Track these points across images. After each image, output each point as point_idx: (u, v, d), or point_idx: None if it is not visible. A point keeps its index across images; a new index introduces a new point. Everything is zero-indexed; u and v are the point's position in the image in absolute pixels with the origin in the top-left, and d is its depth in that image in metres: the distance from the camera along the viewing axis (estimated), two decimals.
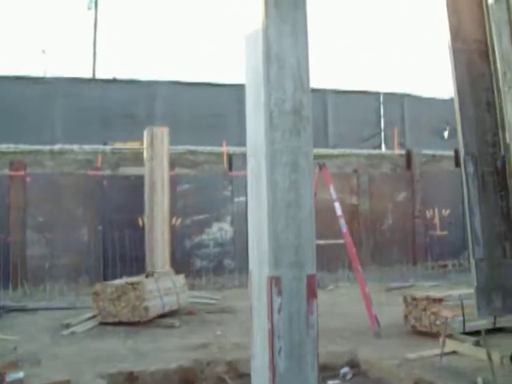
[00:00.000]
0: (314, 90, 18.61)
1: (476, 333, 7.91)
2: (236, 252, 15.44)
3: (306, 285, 5.15)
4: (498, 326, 8.13)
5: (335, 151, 18.97)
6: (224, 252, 15.53)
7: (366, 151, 19.39)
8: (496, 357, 6.44)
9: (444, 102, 22.20)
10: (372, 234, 16.80)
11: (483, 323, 8.02)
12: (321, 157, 17.45)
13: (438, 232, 16.91)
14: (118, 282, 9.72)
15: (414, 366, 6.62)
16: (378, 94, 20.47)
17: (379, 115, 20.38)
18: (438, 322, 7.80)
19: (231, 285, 13.85)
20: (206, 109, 18.20)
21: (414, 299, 8.25)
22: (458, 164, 18.62)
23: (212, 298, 11.40)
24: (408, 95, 20.88)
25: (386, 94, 20.52)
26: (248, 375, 6.75)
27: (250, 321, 5.52)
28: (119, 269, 13.77)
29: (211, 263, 15.28)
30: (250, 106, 5.50)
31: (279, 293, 5.00)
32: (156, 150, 13.37)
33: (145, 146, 13.82)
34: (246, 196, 15.47)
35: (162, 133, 13.50)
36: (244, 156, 16.22)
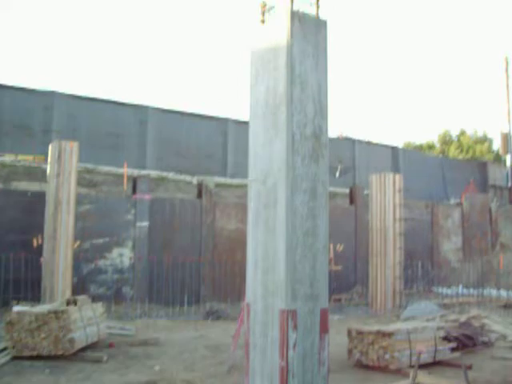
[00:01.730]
0: (216, 118, 18.60)
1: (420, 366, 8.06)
2: (135, 280, 14.66)
3: (320, 319, 4.88)
4: (437, 359, 8.36)
5: (234, 181, 18.85)
6: (123, 279, 14.67)
7: None
8: None
9: (335, 141, 23.11)
10: None
11: (425, 357, 8.22)
12: (220, 186, 17.28)
13: (333, 267, 17.25)
14: (37, 309, 8.67)
15: None
16: None
17: None
18: (387, 356, 7.81)
19: (133, 315, 13.05)
20: (106, 127, 17.41)
21: (360, 333, 8.21)
22: (352, 201, 19.30)
23: (125, 329, 10.61)
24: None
25: None
26: None
27: (246, 359, 5.13)
28: (11, 294, 12.46)
29: (109, 290, 14.35)
30: (258, 127, 5.20)
31: (295, 327, 4.68)
32: (63, 166, 12.36)
33: (49, 160, 12.73)
34: (150, 221, 14.81)
35: (71, 148, 12.53)
36: (149, 179, 15.50)
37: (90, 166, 15.97)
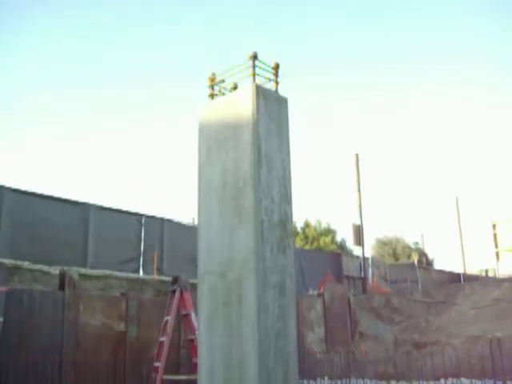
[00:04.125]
0: (76, 203, 17.37)
1: None
2: None
3: None
4: None
5: (94, 272, 17.48)
6: None
7: (125, 274, 18.31)
8: None
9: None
10: (138, 364, 15.35)
11: None
12: (81, 277, 15.89)
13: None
14: None
15: None
16: (140, 215, 19.89)
17: (140, 238, 19.70)
18: None
19: None
20: None
21: None
22: None
23: None
24: (168, 220, 20.71)
25: (147, 217, 20.06)
26: None
27: None
28: None
29: None
30: (212, 214, 4.55)
31: None
32: None
33: None
34: (4, 316, 13.07)
35: None
36: (5, 267, 13.78)
37: None
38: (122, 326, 15.73)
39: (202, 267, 4.49)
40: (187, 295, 7.49)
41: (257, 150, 4.31)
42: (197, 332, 4.23)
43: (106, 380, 14.59)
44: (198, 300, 4.48)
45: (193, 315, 7.10)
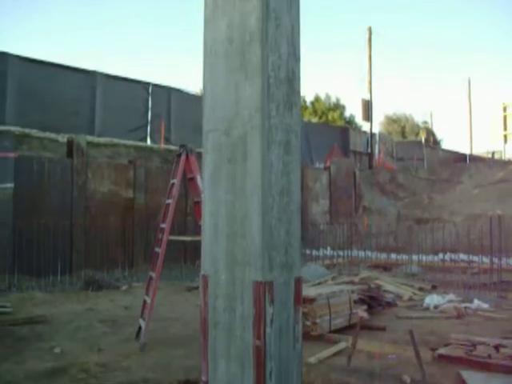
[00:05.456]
0: (83, 71, 16.98)
1: (337, 331, 7.87)
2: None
3: (294, 289, 4.30)
4: (351, 323, 8.19)
5: (102, 140, 17.52)
6: None
7: (132, 142, 18.35)
8: (427, 354, 6.37)
9: None
10: (146, 231, 15.80)
11: (341, 321, 8.02)
12: (89, 144, 15.94)
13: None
14: None
15: (325, 370, 6.14)
16: (147, 83, 19.60)
17: (147, 106, 19.54)
18: (308, 323, 7.46)
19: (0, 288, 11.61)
20: None
21: None
22: None
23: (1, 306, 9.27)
24: (176, 89, 20.43)
25: (154, 86, 19.77)
26: None
27: (203, 340, 4.42)
28: None
29: None
30: (218, 69, 4.42)
31: (272, 301, 4.06)
32: None
33: None
34: (15, 182, 13.23)
35: None
36: (13, 135, 13.82)
37: None
38: (129, 193, 16.04)
39: (207, 125, 4.41)
40: (193, 158, 7.49)
41: (265, 3, 4.11)
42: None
43: (114, 244, 15.10)
44: (203, 156, 4.43)
45: (198, 178, 7.14)
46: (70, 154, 14.99)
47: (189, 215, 16.32)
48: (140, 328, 7.37)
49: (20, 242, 13.04)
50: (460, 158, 38.15)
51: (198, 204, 7.04)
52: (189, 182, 7.91)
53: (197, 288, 12.45)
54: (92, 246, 14.57)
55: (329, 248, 19.44)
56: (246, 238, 4.09)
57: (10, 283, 11.99)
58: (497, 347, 6.39)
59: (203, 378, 4.41)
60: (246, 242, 4.09)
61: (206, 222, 4.41)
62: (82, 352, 6.78)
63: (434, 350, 6.78)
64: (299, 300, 4.34)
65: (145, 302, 7.54)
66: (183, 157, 7.46)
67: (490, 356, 6.29)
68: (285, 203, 4.18)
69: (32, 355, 6.64)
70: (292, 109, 4.32)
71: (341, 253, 18.29)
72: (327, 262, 17.06)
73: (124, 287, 12.21)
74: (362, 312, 7.71)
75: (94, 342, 7.30)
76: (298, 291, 4.31)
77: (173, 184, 7.57)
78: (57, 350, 6.81)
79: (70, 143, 15.08)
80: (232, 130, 4.22)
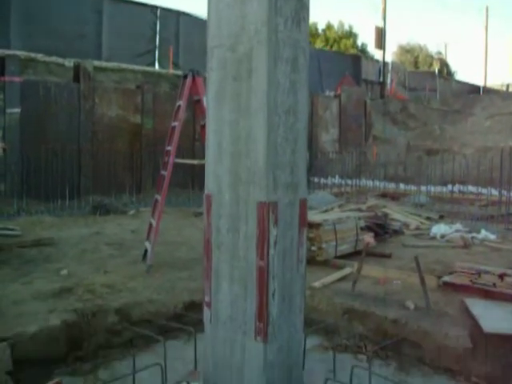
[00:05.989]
0: None
1: (342, 257, 7.89)
2: (8, 173, 13.06)
3: (299, 211, 4.23)
4: (357, 249, 8.19)
5: (109, 64, 17.18)
6: None
7: (140, 67, 18.00)
8: (432, 280, 6.37)
9: None
10: (154, 156, 15.71)
11: (347, 247, 8.02)
12: (95, 69, 15.66)
13: None
14: None
15: (329, 294, 6.17)
16: (155, 7, 19.06)
17: (155, 31, 19.07)
18: (314, 248, 7.46)
19: (9, 212, 11.67)
20: None
21: None
22: None
23: (8, 229, 9.32)
24: (185, 14, 19.87)
25: (163, 10, 19.23)
26: (145, 321, 5.59)
27: (206, 260, 4.40)
28: None
29: None
30: None
31: (276, 222, 4.00)
32: None
33: None
34: (21, 107, 13.06)
35: None
36: (19, 59, 13.57)
37: None
38: (137, 119, 15.89)
39: (212, 41, 4.23)
40: (199, 80, 7.29)
41: None
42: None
43: (122, 169, 15.08)
44: (208, 73, 4.27)
45: (204, 100, 6.97)
46: (76, 78, 14.76)
47: (197, 141, 16.18)
48: (146, 251, 7.41)
49: (28, 167, 13.03)
50: (474, 89, 37.37)
51: (204, 127, 6.89)
52: (195, 105, 7.75)
53: None
54: (100, 170, 14.57)
55: (337, 176, 19.38)
56: (251, 156, 3.99)
57: (19, 208, 12.05)
58: (502, 276, 6.37)
59: (206, 299, 4.42)
60: (251, 160, 3.99)
61: (210, 140, 4.31)
62: (89, 273, 6.82)
63: (439, 277, 6.78)
64: (304, 222, 4.29)
65: (150, 224, 7.54)
66: (189, 78, 7.27)
67: (494, 284, 6.27)
68: (291, 122, 4.06)
69: (39, 276, 6.69)
70: (300, 24, 4.12)
71: (349, 182, 18.23)
72: (335, 190, 17.03)
73: (131, 212, 12.25)
74: (368, 237, 7.70)
75: (100, 264, 7.35)
76: (303, 213, 4.24)
77: (179, 106, 7.41)
78: (64, 272, 6.86)
79: (76, 68, 14.83)
80: (238, 46, 4.05)
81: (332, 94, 23.87)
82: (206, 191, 4.45)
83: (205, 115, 6.98)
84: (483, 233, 10.06)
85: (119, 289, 6.18)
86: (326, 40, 42.98)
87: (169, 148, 7.34)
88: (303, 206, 4.24)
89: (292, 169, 4.11)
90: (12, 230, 9.26)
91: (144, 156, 15.77)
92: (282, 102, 3.98)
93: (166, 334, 5.38)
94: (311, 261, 7.53)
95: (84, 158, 14.54)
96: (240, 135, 4.05)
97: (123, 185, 14.62)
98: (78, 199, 13.41)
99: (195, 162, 8.25)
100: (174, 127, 7.43)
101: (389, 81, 30.29)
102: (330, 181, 18.72)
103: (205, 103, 7.04)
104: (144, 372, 4.38)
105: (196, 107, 7.76)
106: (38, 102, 13.77)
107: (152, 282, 6.55)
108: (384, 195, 16.73)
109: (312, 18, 58.71)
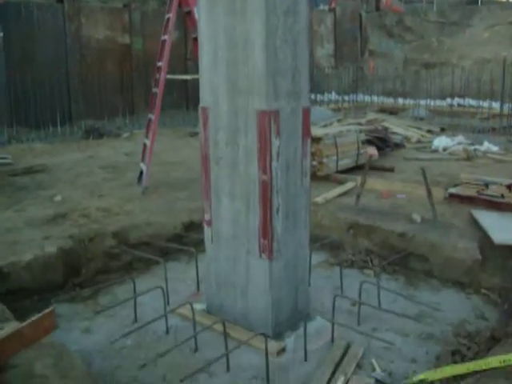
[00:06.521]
0: None
1: (344, 172, 7.69)
2: None
3: (302, 120, 3.95)
4: (359, 163, 7.97)
5: None
6: None
7: None
8: (439, 192, 6.19)
9: None
10: (145, 77, 15.20)
11: (348, 162, 7.81)
12: None
13: None
14: None
15: (332, 210, 5.99)
16: None
17: None
18: (314, 163, 7.23)
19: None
20: None
21: None
22: None
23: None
24: None
25: None
26: (144, 244, 5.42)
27: (204, 178, 4.17)
28: None
29: None
30: None
31: (278, 132, 3.73)
32: None
33: None
34: (4, 30, 12.34)
35: None
36: None
37: None
38: (126, 39, 15.29)
39: None
40: None
41: None
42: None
43: (114, 91, 14.64)
44: None
45: (196, 11, 6.53)
46: None
47: (189, 60, 15.63)
48: (141, 172, 7.17)
49: (15, 95, 12.61)
50: (472, 0, 36.12)
51: (196, 40, 6.49)
52: (185, 18, 7.30)
53: None
54: (90, 95, 14.13)
55: (334, 92, 18.94)
56: (249, 63, 3.67)
57: (10, 136, 11.69)
58: (509, 187, 6.18)
59: (206, 217, 4.21)
60: (249, 67, 3.68)
61: (204, 48, 3.97)
62: (83, 198, 6.61)
63: (445, 189, 6.60)
64: (307, 131, 4.02)
65: (145, 145, 7.27)
66: None
67: (502, 195, 6.09)
68: (290, 23, 3.71)
69: (32, 203, 6.48)
70: None
71: (346, 97, 17.82)
72: (332, 106, 16.67)
73: (125, 134, 11.92)
74: (371, 150, 7.45)
75: (95, 188, 7.13)
76: (306, 122, 3.97)
77: (168, 19, 6.98)
78: (57, 198, 6.64)
79: None
80: None
81: (326, 7, 23.00)
82: (201, 104, 4.16)
83: (196, 27, 6.57)
84: (486, 145, 9.83)
85: (115, 212, 5.98)
86: None
87: (160, 64, 6.96)
88: (306, 115, 3.96)
89: (293, 75, 3.80)
90: (3, 158, 8.97)
91: (135, 77, 15.28)
92: (281, 2, 3.63)
93: (166, 256, 5.23)
94: (312, 176, 7.27)
95: (73, 83, 14.07)
96: (237, 40, 3.72)
97: (116, 108, 14.21)
98: (69, 125, 13.04)
99: (188, 77, 7.91)
100: (164, 41, 7.03)
101: None
102: (326, 97, 18.28)
103: (196, 14, 6.61)
104: (145, 295, 4.24)
105: (187, 19, 7.31)
106: (21, 26, 13.14)
107: (149, 203, 6.36)
108: (382, 110, 16.36)
109: None
